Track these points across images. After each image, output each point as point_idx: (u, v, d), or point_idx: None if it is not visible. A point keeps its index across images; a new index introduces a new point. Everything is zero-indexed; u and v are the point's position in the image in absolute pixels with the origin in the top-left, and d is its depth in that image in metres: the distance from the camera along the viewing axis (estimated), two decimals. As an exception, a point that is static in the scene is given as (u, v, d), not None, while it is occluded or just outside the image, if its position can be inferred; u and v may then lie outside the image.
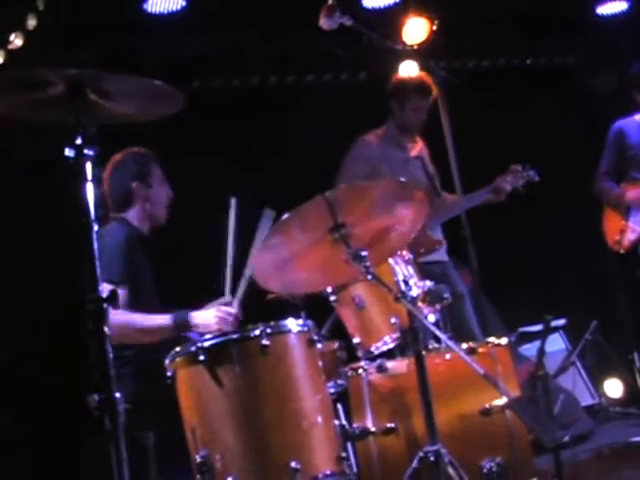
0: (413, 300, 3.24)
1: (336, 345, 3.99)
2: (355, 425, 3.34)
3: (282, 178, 5.62)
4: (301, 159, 5.77)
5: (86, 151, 2.15)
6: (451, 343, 2.96)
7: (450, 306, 3.63)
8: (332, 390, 3.60)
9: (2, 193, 4.90)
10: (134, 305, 3.64)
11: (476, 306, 5.02)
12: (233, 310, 3.71)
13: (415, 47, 5.61)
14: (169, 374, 3.08)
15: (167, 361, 3.09)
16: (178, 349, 3.08)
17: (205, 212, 4.40)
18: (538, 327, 5.67)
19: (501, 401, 3.23)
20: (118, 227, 3.82)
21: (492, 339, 3.49)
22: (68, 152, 2.13)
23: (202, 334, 3.56)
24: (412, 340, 3.18)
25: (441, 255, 5.08)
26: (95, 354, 2.05)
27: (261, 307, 4.05)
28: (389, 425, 3.34)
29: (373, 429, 3.33)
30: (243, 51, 5.85)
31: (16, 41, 4.79)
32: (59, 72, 2.14)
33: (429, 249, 4.80)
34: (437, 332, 2.97)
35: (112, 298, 2.08)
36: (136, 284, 3.68)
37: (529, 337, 5.66)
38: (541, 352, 3.33)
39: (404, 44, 5.61)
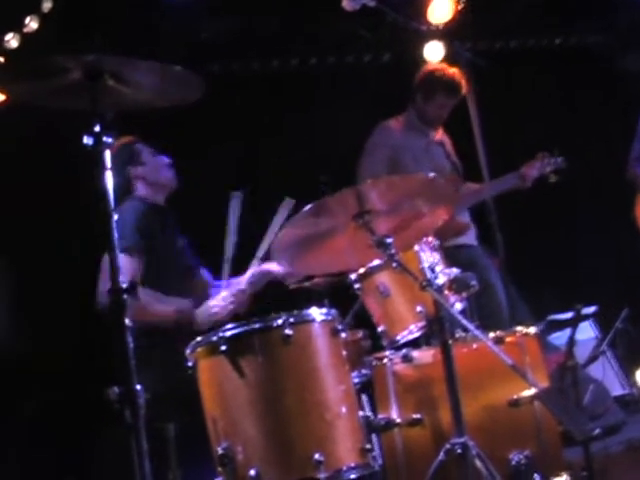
0: (439, 288, 3.22)
1: (360, 334, 4.00)
2: (380, 416, 3.34)
3: (303, 162, 5.61)
4: (323, 143, 5.76)
5: (105, 138, 2.15)
6: (478, 332, 2.95)
7: (479, 293, 3.62)
8: (356, 380, 3.62)
9: (22, 183, 4.93)
10: (148, 276, 3.71)
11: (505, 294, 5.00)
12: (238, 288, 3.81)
13: (440, 27, 5.60)
14: (190, 364, 3.10)
15: (188, 351, 3.11)
16: (199, 339, 3.09)
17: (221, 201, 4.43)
18: (568, 315, 5.63)
19: (530, 392, 3.22)
20: (130, 203, 3.93)
21: (520, 328, 3.46)
22: (86, 140, 2.13)
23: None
24: (438, 329, 3.18)
25: (469, 239, 5.07)
26: (115, 346, 2.06)
27: (283, 296, 4.08)
28: (415, 416, 3.33)
29: (398, 420, 3.33)
30: (264, 33, 5.82)
31: (31, 24, 4.79)
32: (76, 59, 2.14)
33: (456, 233, 4.82)
34: (464, 321, 2.96)
35: (132, 289, 2.09)
36: (152, 255, 3.76)
37: (558, 325, 5.62)
38: (571, 342, 3.31)
39: (429, 24, 5.60)
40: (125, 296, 2.06)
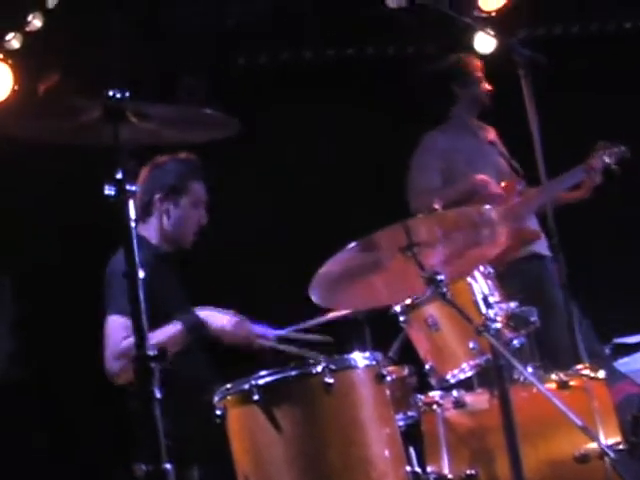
0: (497, 333, 3.20)
1: (406, 371, 3.98)
2: (429, 470, 3.34)
3: (346, 164, 5.61)
4: (364, 140, 5.76)
5: (128, 187, 2.15)
6: (537, 382, 2.93)
7: (543, 315, 3.59)
8: (401, 423, 3.60)
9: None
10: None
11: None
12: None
13: (493, 14, 5.56)
14: (218, 412, 3.10)
15: (216, 398, 3.11)
16: (229, 386, 3.10)
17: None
18: (636, 338, 5.60)
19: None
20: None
21: (587, 371, 3.43)
22: (108, 190, 2.14)
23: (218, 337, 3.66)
24: (497, 378, 3.16)
25: (540, 248, 5.00)
26: (143, 419, 2.07)
27: (322, 326, 4.07)
28: (468, 472, 3.31)
29: (450, 476, 3.32)
30: (295, 21, 5.80)
31: (34, 22, 4.77)
32: (97, 101, 2.14)
33: (526, 241, 4.81)
34: (523, 370, 2.96)
35: (161, 357, 2.09)
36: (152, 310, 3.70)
37: (626, 349, 5.59)
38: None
39: (480, 10, 5.56)
40: (153, 365, 2.07)
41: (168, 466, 2.06)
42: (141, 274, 2.14)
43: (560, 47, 5.82)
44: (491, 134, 5.31)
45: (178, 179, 3.90)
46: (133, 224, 2.16)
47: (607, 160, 5.13)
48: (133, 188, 2.17)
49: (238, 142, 2.50)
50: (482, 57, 5.38)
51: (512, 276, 4.71)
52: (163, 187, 3.88)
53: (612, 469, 3.03)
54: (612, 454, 2.69)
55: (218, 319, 3.70)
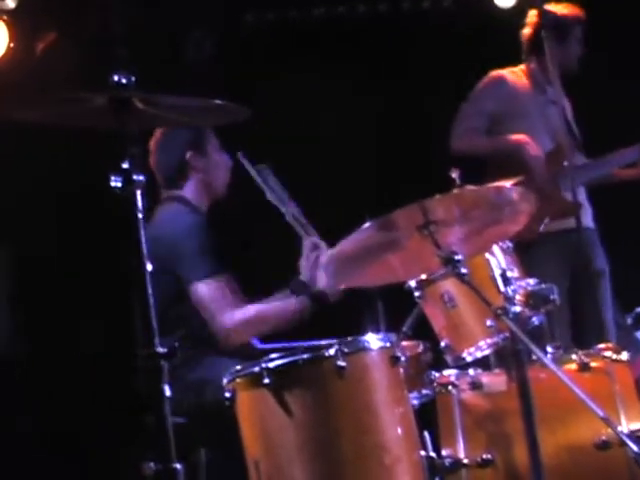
0: (516, 316, 3.22)
1: (420, 347, 4.01)
2: (444, 454, 3.37)
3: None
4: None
5: (135, 177, 2.16)
6: (557, 369, 2.96)
7: (584, 285, 3.60)
8: (415, 402, 3.64)
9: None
10: None
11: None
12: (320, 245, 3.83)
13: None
14: (228, 395, 3.14)
15: (225, 380, 3.15)
16: (239, 367, 3.13)
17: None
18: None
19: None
20: (184, 210, 3.88)
21: (609, 353, 3.46)
22: (114, 181, 2.15)
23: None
24: (515, 364, 3.19)
25: (583, 220, 5.02)
26: (152, 418, 2.10)
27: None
28: (485, 456, 3.34)
29: (466, 461, 3.35)
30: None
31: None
32: (103, 93, 2.15)
33: (561, 214, 4.82)
34: (540, 355, 2.99)
35: (171, 354, 2.12)
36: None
37: (649, 319, 5.60)
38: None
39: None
40: (162, 362, 2.10)
41: (178, 466, 2.10)
42: (149, 267, 2.16)
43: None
44: (561, 96, 5.26)
45: (194, 133, 3.93)
46: (140, 215, 2.17)
47: None
48: (141, 178, 2.19)
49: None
50: (502, 13, 5.32)
51: (544, 245, 4.77)
52: (188, 144, 3.91)
53: (634, 456, 3.07)
54: (634, 444, 2.71)
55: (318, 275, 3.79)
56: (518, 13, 5.26)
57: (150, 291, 2.12)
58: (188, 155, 3.90)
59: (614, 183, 5.13)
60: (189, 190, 3.93)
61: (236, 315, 3.70)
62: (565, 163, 4.96)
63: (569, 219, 4.79)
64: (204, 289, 3.68)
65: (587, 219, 5.10)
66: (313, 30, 5.85)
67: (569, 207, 4.78)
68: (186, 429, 3.15)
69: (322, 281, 3.76)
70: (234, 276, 3.84)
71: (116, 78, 2.18)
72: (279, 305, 3.81)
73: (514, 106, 5.10)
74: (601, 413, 2.77)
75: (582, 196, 5.09)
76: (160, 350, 2.10)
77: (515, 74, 5.22)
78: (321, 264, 3.76)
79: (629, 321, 5.63)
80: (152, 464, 2.10)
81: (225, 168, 4.01)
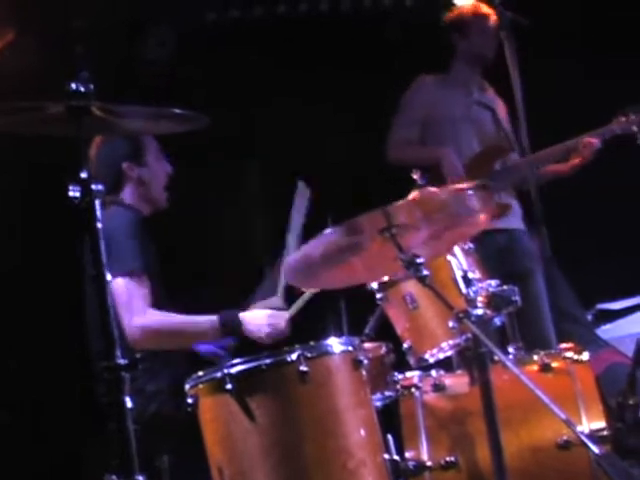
0: (478, 318, 3.23)
1: (383, 349, 4.02)
2: (408, 456, 3.38)
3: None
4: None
5: (94, 186, 2.14)
6: (519, 372, 2.97)
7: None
8: (378, 403, 3.64)
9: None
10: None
11: (547, 279, 5.02)
12: (285, 317, 3.83)
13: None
14: (190, 401, 3.12)
15: (187, 386, 3.14)
16: (201, 373, 3.12)
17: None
18: (620, 304, 5.66)
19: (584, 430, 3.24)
20: (120, 210, 3.89)
21: (570, 353, 3.48)
22: (72, 191, 2.12)
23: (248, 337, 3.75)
24: (477, 366, 3.20)
25: (510, 222, 5.07)
26: (114, 430, 2.08)
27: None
28: (448, 458, 3.36)
29: (429, 463, 3.36)
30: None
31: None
32: (61, 103, 2.13)
33: (494, 215, 4.83)
34: (503, 358, 3.00)
35: (133, 366, 2.10)
36: (149, 277, 3.78)
37: (609, 316, 5.66)
38: (632, 378, 3.33)
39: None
40: (123, 374, 2.08)
41: (141, 478, 2.08)
42: (108, 277, 2.14)
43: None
44: (489, 97, 5.31)
45: (131, 143, 3.95)
46: (100, 225, 2.15)
47: (635, 129, 5.12)
48: (100, 187, 2.17)
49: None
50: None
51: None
52: (124, 155, 3.94)
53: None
54: (594, 445, 2.73)
55: (257, 322, 3.78)
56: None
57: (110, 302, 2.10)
58: (124, 166, 3.94)
59: (546, 181, 5.14)
60: (127, 196, 3.97)
61: (148, 318, 3.68)
62: (497, 165, 5.03)
63: (497, 220, 4.83)
64: (120, 285, 3.65)
65: (516, 220, 5.14)
66: (277, 27, 5.83)
67: (498, 208, 4.81)
68: (147, 437, 3.15)
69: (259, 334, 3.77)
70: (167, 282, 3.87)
71: (74, 86, 2.15)
72: (193, 320, 3.78)
73: (439, 110, 5.18)
74: (562, 415, 2.77)
75: (510, 197, 5.14)
76: (121, 362, 2.09)
77: (440, 77, 5.29)
78: (272, 328, 3.77)
79: (589, 317, 5.70)
80: (114, 477, 2.08)
81: (164, 176, 4.04)
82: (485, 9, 5.13)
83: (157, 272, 3.89)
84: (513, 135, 5.15)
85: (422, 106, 5.18)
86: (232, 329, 3.74)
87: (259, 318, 3.78)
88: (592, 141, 5.08)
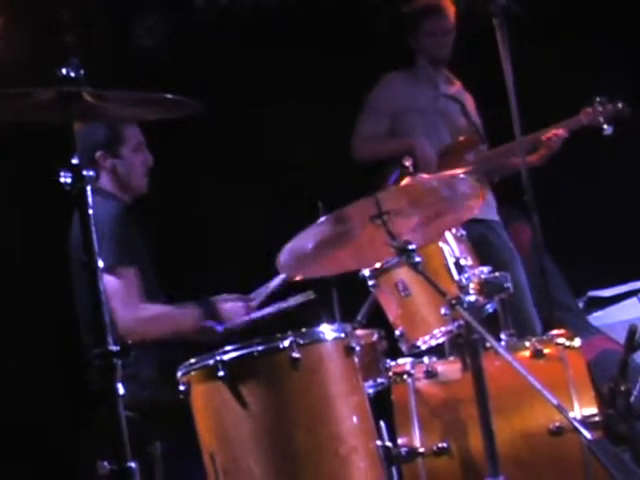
0: (470, 305, 3.23)
1: (375, 336, 4.02)
2: (400, 443, 3.38)
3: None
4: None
5: (85, 172, 2.13)
6: (511, 359, 2.97)
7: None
8: (370, 390, 3.64)
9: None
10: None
11: (538, 267, 5.02)
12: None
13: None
14: (182, 388, 3.13)
15: (179, 373, 3.14)
16: (193, 360, 3.12)
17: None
18: (611, 291, 5.68)
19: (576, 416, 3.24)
20: (100, 200, 3.84)
21: (562, 339, 3.49)
22: (64, 177, 2.12)
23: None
24: (469, 353, 3.20)
25: (486, 213, 5.06)
26: (106, 416, 2.08)
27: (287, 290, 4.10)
28: (440, 445, 3.36)
29: (422, 449, 3.36)
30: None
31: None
32: (51, 90, 2.12)
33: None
34: (495, 345, 3.01)
35: (124, 352, 2.10)
36: (138, 267, 3.77)
37: (600, 303, 5.67)
38: (624, 363, 3.33)
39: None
40: (115, 360, 2.08)
41: (133, 465, 2.08)
42: (100, 264, 2.14)
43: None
44: (455, 90, 5.32)
45: (111, 130, 3.93)
46: (91, 211, 2.15)
47: (596, 118, 5.13)
48: (91, 173, 2.16)
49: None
50: (454, 3, 5.33)
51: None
52: (100, 143, 3.92)
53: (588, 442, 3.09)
54: (586, 430, 2.74)
55: (229, 310, 3.87)
56: (469, 5, 5.26)
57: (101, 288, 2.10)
58: (97, 154, 3.92)
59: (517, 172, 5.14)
60: (105, 183, 3.96)
61: (140, 311, 3.73)
62: (467, 156, 5.04)
63: None
64: (110, 278, 3.66)
65: (491, 211, 5.14)
66: (265, 16, 5.81)
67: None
68: (140, 424, 3.16)
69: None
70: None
71: (64, 71, 2.14)
72: (181, 312, 3.85)
73: (407, 103, 5.18)
74: (554, 400, 2.78)
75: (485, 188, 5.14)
76: (113, 348, 2.08)
77: (407, 72, 5.29)
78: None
79: (581, 305, 5.71)
80: (106, 463, 2.08)
81: (143, 167, 4.01)
82: (438, 4, 5.12)
83: (147, 260, 3.88)
84: (482, 127, 5.17)
85: (390, 100, 5.19)
86: (211, 312, 3.81)
87: (229, 299, 3.89)
88: (558, 132, 5.10)
